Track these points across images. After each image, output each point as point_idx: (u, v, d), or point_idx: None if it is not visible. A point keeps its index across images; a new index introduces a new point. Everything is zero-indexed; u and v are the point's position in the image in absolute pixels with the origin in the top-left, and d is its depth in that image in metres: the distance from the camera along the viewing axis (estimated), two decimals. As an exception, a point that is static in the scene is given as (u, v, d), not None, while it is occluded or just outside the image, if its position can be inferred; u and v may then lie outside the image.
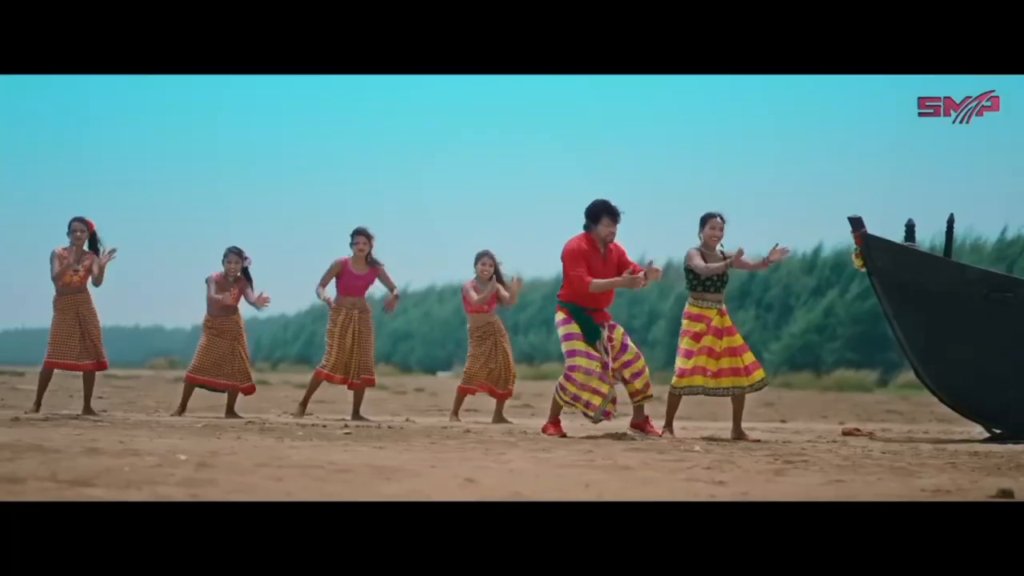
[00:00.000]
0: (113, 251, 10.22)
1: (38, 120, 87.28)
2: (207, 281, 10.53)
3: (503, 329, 11.10)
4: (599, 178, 61.37)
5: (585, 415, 8.79)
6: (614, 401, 8.79)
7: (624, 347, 8.77)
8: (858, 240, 9.41)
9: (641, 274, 8.64)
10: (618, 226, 8.76)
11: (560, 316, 8.84)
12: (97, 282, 10.24)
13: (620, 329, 8.85)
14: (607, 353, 8.69)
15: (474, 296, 10.98)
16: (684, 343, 8.88)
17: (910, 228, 9.62)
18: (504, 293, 10.91)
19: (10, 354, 47.80)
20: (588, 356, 8.69)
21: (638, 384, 8.80)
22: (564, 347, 8.79)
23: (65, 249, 10.20)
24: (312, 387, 10.79)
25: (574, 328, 8.73)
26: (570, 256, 8.70)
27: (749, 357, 8.91)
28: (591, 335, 8.71)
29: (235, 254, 10.57)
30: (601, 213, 8.70)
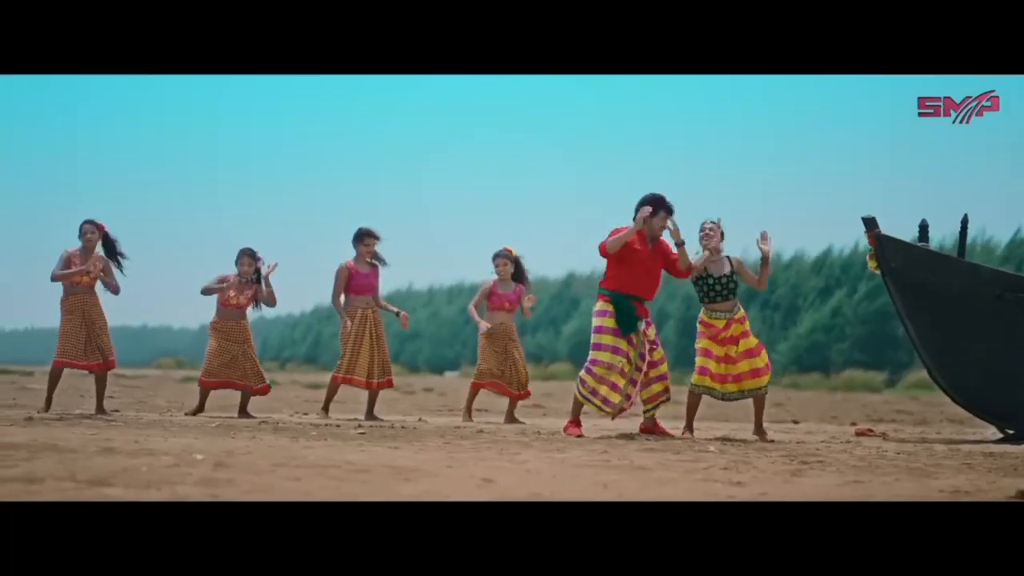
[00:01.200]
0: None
1: (38, 120, 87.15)
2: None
3: (515, 334, 11.07)
4: (600, 178, 61.34)
5: (601, 410, 8.74)
6: (628, 398, 8.75)
7: (654, 345, 8.75)
8: (872, 240, 9.39)
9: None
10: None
11: (598, 305, 8.76)
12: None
13: (653, 327, 8.84)
14: (640, 347, 8.65)
15: (483, 292, 11.00)
16: (703, 343, 8.83)
17: (923, 228, 9.61)
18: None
19: (19, 354, 47.86)
20: (613, 351, 8.63)
21: (658, 388, 8.78)
22: (592, 338, 8.72)
23: (76, 251, 10.15)
24: (331, 392, 10.74)
25: (607, 322, 8.66)
26: (611, 236, 8.65)
27: (764, 358, 8.90)
28: (628, 325, 8.62)
29: (248, 255, 10.47)
30: (658, 207, 8.65)
